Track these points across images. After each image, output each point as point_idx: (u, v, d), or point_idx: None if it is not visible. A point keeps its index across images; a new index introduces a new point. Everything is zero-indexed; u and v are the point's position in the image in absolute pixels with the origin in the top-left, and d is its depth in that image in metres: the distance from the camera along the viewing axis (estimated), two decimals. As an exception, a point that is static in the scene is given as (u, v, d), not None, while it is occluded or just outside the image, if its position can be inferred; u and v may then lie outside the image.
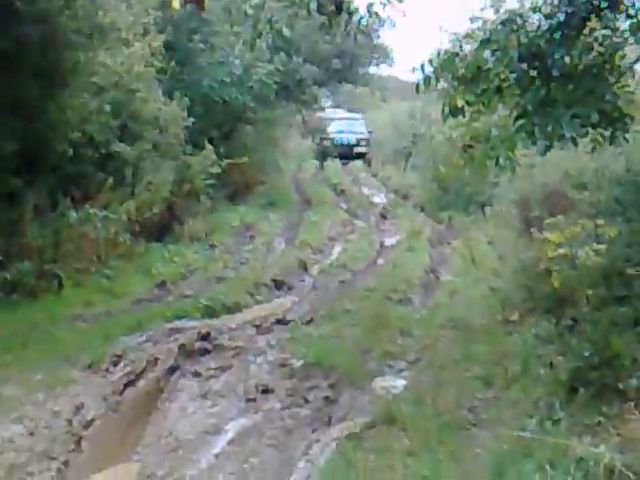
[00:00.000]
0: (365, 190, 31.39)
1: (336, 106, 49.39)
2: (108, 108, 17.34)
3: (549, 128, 8.16)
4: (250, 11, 7.93)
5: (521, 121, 8.48)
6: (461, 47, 8.55)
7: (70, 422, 8.71)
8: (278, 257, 18.28)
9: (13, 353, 10.62)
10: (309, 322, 12.56)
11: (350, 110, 46.94)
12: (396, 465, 7.30)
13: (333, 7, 8.18)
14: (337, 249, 19.75)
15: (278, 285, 15.36)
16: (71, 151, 15.55)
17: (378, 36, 53.11)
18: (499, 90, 8.71)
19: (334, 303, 13.72)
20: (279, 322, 12.56)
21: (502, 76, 8.58)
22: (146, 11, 19.72)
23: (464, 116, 9.02)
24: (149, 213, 17.81)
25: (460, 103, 8.64)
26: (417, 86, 8.70)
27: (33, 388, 9.37)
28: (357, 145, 41.17)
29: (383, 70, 61.96)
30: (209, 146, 21.71)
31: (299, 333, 11.82)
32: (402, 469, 7.24)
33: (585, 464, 6.17)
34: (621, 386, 7.98)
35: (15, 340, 11.16)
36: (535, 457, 6.72)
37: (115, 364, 10.34)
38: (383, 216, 25.03)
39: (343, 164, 38.32)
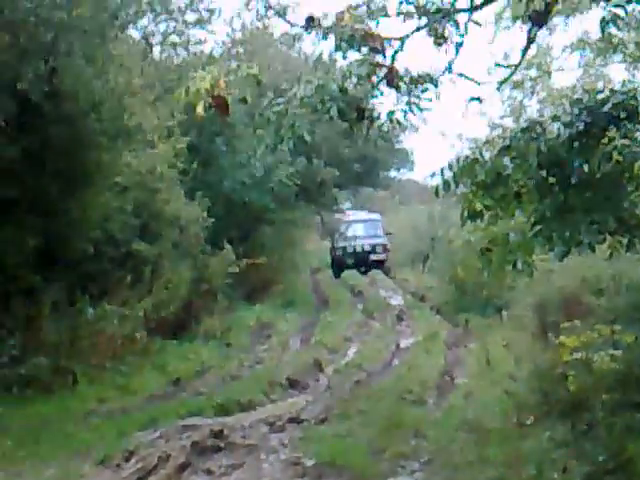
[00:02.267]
0: (382, 292, 31.42)
1: (355, 208, 47.86)
2: (130, 207, 17.62)
3: (567, 234, 8.21)
4: (273, 117, 8.12)
5: (539, 226, 8.53)
6: (481, 153, 8.67)
7: (80, 517, 8.67)
8: (293, 356, 18.26)
9: (26, 448, 10.65)
10: (323, 421, 12.48)
11: (368, 211, 43.06)
12: None
13: (355, 114, 8.35)
14: (353, 349, 19.71)
15: (293, 384, 15.33)
16: (91, 249, 15.73)
17: (399, 141, 53.67)
18: (518, 195, 8.77)
19: (348, 403, 13.65)
20: (292, 421, 12.47)
21: (521, 182, 8.67)
22: (171, 114, 20.08)
23: (482, 220, 9.10)
24: (166, 311, 17.93)
25: (479, 207, 8.73)
26: (436, 190, 8.80)
27: (45, 483, 9.36)
28: (373, 252, 36.91)
29: (403, 174, 62.48)
30: (228, 246, 21.95)
31: (312, 432, 11.75)
32: None
33: None
34: (635, 491, 7.92)
35: (29, 435, 11.22)
36: None
37: (127, 460, 10.29)
38: (399, 318, 24.99)
39: (361, 273, 36.18)
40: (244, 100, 8.09)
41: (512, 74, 10.11)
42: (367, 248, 36.74)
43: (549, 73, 24.43)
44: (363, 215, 40.53)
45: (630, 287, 13.23)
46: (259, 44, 31.14)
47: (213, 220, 21.40)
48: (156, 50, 27.43)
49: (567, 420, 10.40)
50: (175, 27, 26.97)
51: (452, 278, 25.09)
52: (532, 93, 25.97)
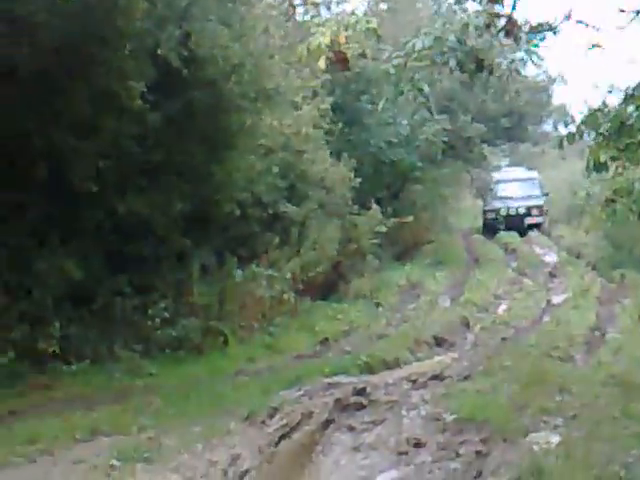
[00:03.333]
0: (536, 249, 30.84)
1: (512, 165, 45.79)
2: (276, 169, 17.82)
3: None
4: (392, 70, 8.06)
5: (665, 175, 8.29)
6: (604, 103, 8.42)
7: (226, 472, 8.88)
8: (441, 315, 18.21)
9: (176, 406, 10.97)
10: (466, 378, 12.41)
11: (524, 168, 40.93)
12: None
13: (474, 65, 8.20)
14: (502, 307, 19.51)
15: (439, 342, 15.31)
16: (238, 211, 15.99)
17: (549, 95, 52.54)
18: (643, 144, 8.51)
19: (493, 360, 13.53)
20: (435, 378, 12.44)
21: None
22: (315, 74, 20.11)
23: (607, 171, 8.84)
24: (314, 272, 18.12)
25: (603, 158, 8.49)
26: (560, 142, 8.60)
27: (192, 439, 9.61)
28: (528, 215, 35.03)
29: (562, 129, 60.77)
30: (375, 205, 21.95)
31: (454, 389, 11.66)
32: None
33: None
34: None
35: (179, 393, 11.57)
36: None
37: (272, 417, 10.45)
38: (552, 275, 24.54)
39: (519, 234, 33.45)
40: (363, 55, 8.05)
41: (633, 19, 9.70)
42: (522, 211, 35.03)
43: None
44: (518, 173, 38.54)
45: None
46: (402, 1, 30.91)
47: (360, 180, 21.43)
48: (300, 10, 27.59)
49: None
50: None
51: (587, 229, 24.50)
52: (688, 38, 24.86)
